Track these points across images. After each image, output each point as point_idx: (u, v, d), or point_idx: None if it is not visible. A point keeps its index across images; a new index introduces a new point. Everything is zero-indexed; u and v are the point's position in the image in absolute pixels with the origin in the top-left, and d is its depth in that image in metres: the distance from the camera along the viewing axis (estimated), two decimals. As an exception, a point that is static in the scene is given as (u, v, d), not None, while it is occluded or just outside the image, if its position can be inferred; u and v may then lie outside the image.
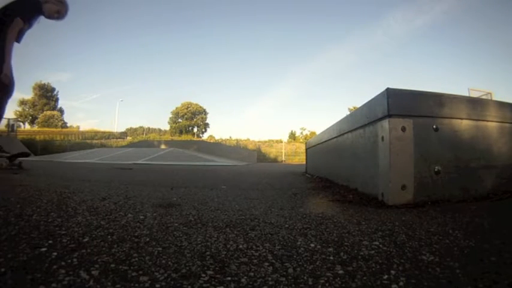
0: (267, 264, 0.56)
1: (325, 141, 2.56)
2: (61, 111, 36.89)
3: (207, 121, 43.86)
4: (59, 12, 2.61)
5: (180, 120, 42.10)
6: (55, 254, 0.55)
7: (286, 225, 0.84)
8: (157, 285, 0.45)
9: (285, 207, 1.15)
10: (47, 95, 36.73)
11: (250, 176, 3.01)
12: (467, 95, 2.75)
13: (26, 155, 3.38)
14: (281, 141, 27.35)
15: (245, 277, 0.50)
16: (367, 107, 1.43)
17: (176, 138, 27.50)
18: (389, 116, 1.18)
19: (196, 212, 0.99)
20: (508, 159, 1.42)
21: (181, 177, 2.51)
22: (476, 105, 1.37)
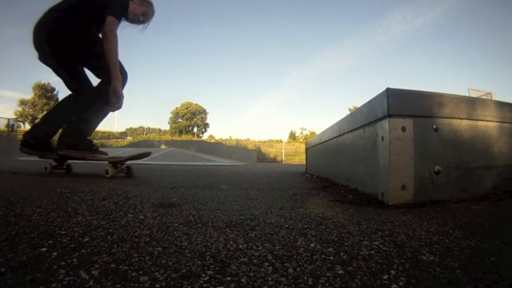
0: (267, 264, 0.56)
1: (325, 141, 2.56)
2: (61, 111, 36.82)
3: (207, 121, 43.97)
4: (144, 14, 2.12)
5: (180, 120, 42.15)
6: (55, 254, 0.55)
7: (286, 225, 0.84)
8: (157, 285, 0.45)
9: (285, 207, 1.15)
10: (47, 95, 36.73)
11: (250, 176, 3.01)
12: (467, 95, 2.75)
13: (145, 155, 2.46)
14: (281, 141, 27.38)
15: (245, 277, 0.50)
16: (367, 107, 1.43)
17: (176, 138, 27.52)
18: (389, 116, 1.18)
19: (196, 212, 0.99)
20: (508, 159, 1.42)
21: (181, 177, 2.51)
22: (476, 105, 1.37)
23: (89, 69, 2.10)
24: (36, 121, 2.25)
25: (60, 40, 1.89)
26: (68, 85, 2.11)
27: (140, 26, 2.20)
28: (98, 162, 2.19)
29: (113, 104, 1.96)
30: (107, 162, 2.06)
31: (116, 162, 2.06)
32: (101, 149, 2.27)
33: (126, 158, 2.14)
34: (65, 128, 2.09)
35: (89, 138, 2.20)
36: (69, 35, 1.88)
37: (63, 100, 2.16)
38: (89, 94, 2.07)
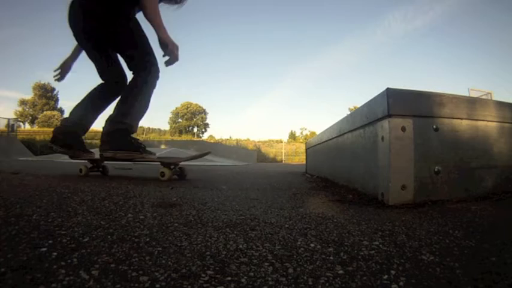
0: (267, 264, 0.56)
1: (325, 141, 2.56)
2: (61, 111, 36.93)
3: (207, 121, 44.00)
4: None
5: (180, 120, 42.15)
6: (55, 254, 0.55)
7: (286, 225, 0.84)
8: (157, 285, 0.45)
9: (285, 207, 1.15)
10: (47, 95, 36.74)
11: (250, 176, 3.00)
12: (467, 95, 2.76)
13: (204, 154, 2.33)
14: (281, 141, 27.39)
15: (245, 277, 0.50)
16: (367, 107, 1.43)
17: (176, 138, 27.53)
18: (389, 116, 1.18)
19: (196, 212, 0.99)
20: (508, 159, 1.42)
21: (181, 177, 2.51)
22: (476, 105, 1.37)
23: (122, 57, 1.98)
24: (66, 116, 2.01)
25: (96, 19, 1.80)
26: (102, 71, 1.97)
27: (175, 6, 2.10)
28: (149, 163, 1.93)
29: (169, 54, 1.80)
30: (158, 163, 1.85)
31: (170, 164, 1.85)
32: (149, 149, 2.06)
33: (183, 158, 1.94)
34: (106, 125, 1.87)
35: (132, 135, 1.96)
36: (105, 13, 1.79)
37: (95, 90, 1.98)
38: (127, 85, 1.92)
